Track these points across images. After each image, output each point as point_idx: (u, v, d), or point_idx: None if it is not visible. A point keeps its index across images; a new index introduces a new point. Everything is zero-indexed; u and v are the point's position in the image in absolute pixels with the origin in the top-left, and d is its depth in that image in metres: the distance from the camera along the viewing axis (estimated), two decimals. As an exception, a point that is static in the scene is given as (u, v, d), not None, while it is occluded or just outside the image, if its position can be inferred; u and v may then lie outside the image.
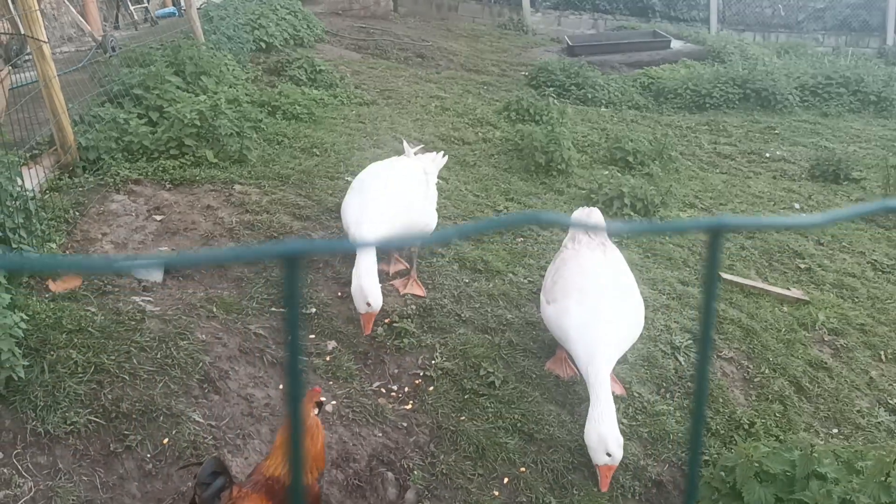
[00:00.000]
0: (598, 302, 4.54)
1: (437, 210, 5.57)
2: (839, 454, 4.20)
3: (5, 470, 3.57)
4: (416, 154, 5.68)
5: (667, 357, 5.42)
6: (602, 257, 4.87)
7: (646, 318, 5.73)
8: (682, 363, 5.39)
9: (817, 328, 6.20)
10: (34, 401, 3.77)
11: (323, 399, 3.30)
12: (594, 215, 5.20)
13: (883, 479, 3.88)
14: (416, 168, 5.38)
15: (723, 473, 4.16)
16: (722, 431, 4.86)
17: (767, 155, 10.45)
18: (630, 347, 4.71)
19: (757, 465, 3.99)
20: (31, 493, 3.52)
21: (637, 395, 4.98)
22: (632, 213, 7.42)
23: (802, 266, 7.20)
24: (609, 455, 4.11)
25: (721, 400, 5.14)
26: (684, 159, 9.67)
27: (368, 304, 4.57)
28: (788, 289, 6.71)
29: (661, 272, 6.60)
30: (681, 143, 10.37)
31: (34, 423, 3.72)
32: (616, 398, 4.90)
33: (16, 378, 3.72)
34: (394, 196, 4.95)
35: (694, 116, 12.23)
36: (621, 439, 4.16)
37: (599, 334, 4.39)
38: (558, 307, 4.61)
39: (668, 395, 5.09)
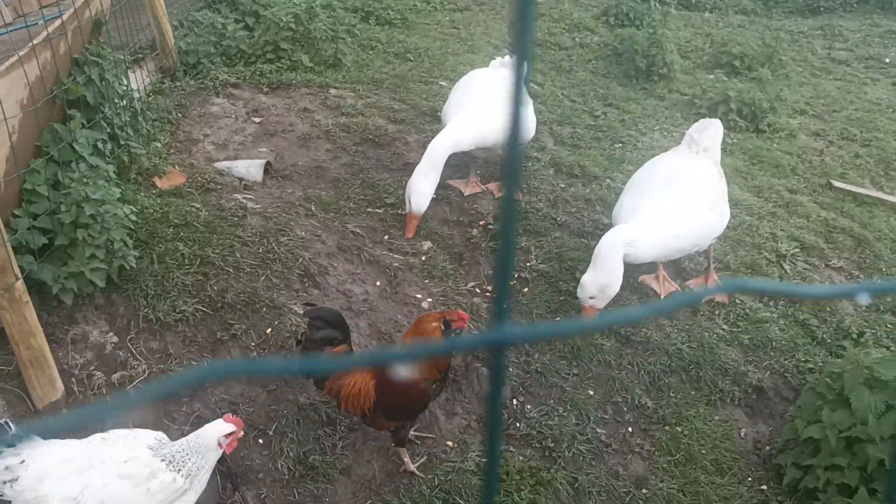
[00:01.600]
0: (641, 191, 4.42)
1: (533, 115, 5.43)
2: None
3: (121, 353, 3.76)
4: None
5: (771, 265, 5.22)
6: (681, 159, 4.65)
7: (750, 225, 5.52)
8: (788, 271, 5.18)
9: (936, 239, 5.84)
10: (145, 289, 3.94)
11: (453, 319, 3.26)
12: (713, 127, 4.90)
13: None
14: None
15: (829, 380, 4.01)
16: (828, 340, 4.68)
17: (887, 60, 9.73)
18: (675, 244, 4.44)
19: (867, 370, 3.83)
20: (145, 375, 3.71)
21: (739, 301, 4.83)
22: (738, 119, 7.08)
23: (923, 174, 6.76)
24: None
25: (828, 309, 4.94)
26: (795, 65, 9.11)
27: (410, 205, 4.57)
28: (906, 197, 6.32)
29: (768, 179, 6.31)
30: (792, 48, 9.76)
31: (146, 310, 3.89)
32: (717, 305, 4.78)
33: (127, 267, 3.87)
34: (490, 102, 4.84)
35: (807, 21, 11.47)
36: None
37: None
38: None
39: (770, 303, 4.92)
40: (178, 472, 2.81)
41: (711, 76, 8.13)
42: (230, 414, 3.15)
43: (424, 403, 3.42)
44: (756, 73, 7.95)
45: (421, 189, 4.60)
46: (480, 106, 4.82)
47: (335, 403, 3.49)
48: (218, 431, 2.93)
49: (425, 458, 3.74)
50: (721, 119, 6.98)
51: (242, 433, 3.04)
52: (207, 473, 2.93)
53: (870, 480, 3.68)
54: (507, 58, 5.50)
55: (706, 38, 9.63)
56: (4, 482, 2.61)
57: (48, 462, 2.66)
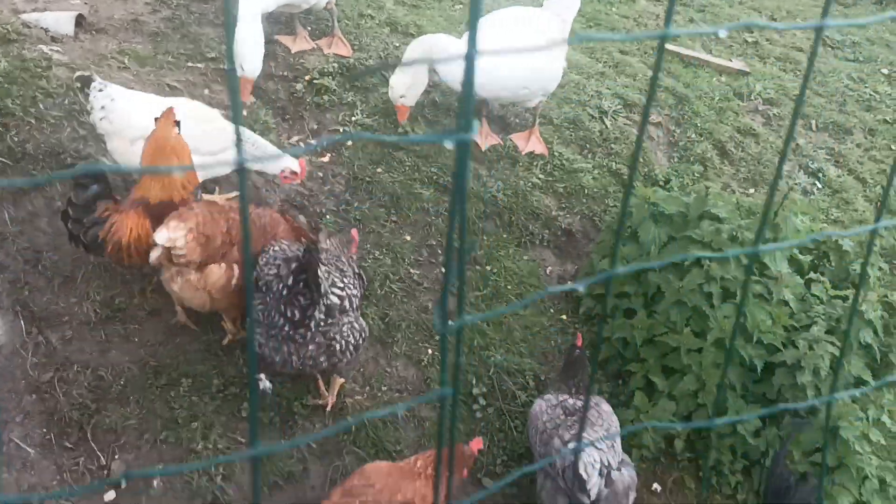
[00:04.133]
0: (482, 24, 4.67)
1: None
2: (738, 200, 4.34)
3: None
4: None
5: (593, 120, 5.45)
6: (531, 9, 4.82)
7: (578, 83, 5.70)
8: (608, 126, 5.42)
9: (752, 98, 6.20)
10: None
11: (178, 119, 3.34)
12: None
13: (773, 218, 4.04)
14: None
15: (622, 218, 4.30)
16: (635, 187, 4.98)
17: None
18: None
19: (653, 206, 4.13)
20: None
21: (557, 154, 5.05)
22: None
23: (750, 40, 7.08)
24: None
25: (642, 160, 5.22)
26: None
27: (242, 69, 4.43)
28: (731, 59, 6.64)
29: (602, 42, 6.48)
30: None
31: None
32: (536, 156, 4.99)
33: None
34: None
35: None
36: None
37: None
38: None
39: (589, 155, 5.17)
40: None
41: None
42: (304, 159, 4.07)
43: None
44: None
45: (247, 50, 4.41)
46: None
47: (123, 257, 3.40)
48: (289, 164, 3.91)
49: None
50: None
51: (299, 181, 4.09)
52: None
53: (650, 304, 4.04)
54: None
55: None
56: (101, 119, 3.60)
57: (132, 103, 3.66)
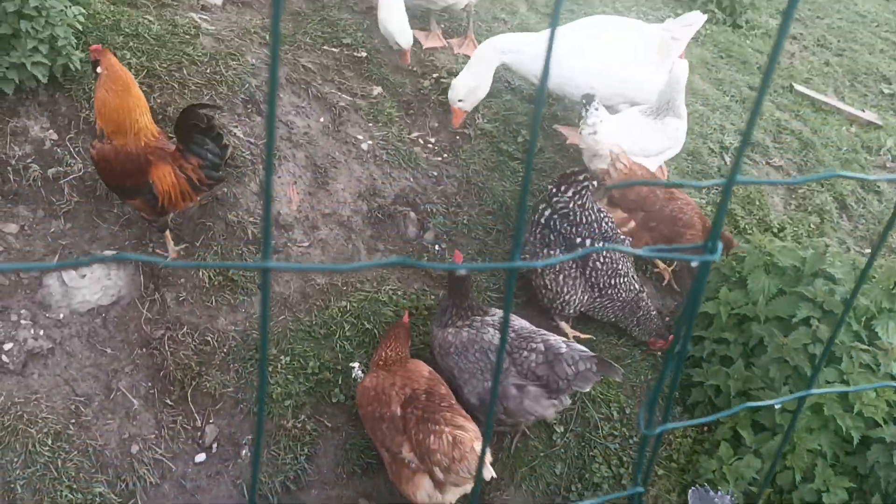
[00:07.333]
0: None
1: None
2: (855, 262, 4.20)
3: (59, 150, 3.87)
4: None
5: (713, 154, 5.35)
6: (628, 21, 4.82)
7: (702, 115, 5.60)
8: (727, 163, 5.31)
9: (882, 153, 5.98)
10: (88, 92, 4.00)
11: (99, 59, 3.37)
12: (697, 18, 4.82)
13: (890, 286, 3.90)
14: None
15: (734, 262, 4.23)
16: (749, 231, 4.88)
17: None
18: None
19: (768, 256, 4.04)
20: (80, 174, 3.84)
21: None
22: (716, 11, 7.02)
23: (886, 91, 6.81)
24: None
25: (758, 203, 5.11)
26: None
27: (398, 44, 4.74)
28: (863, 110, 6.40)
29: (732, 74, 6.35)
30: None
31: (87, 112, 3.96)
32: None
33: (72, 68, 3.92)
34: None
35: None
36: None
37: None
38: None
39: (703, 190, 5.08)
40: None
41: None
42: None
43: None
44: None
45: (396, 28, 4.74)
46: None
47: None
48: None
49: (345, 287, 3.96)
50: (700, 8, 6.96)
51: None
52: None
53: (749, 355, 3.96)
54: None
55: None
56: (590, 134, 4.26)
57: (613, 125, 4.30)
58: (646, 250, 0.84)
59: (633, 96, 4.62)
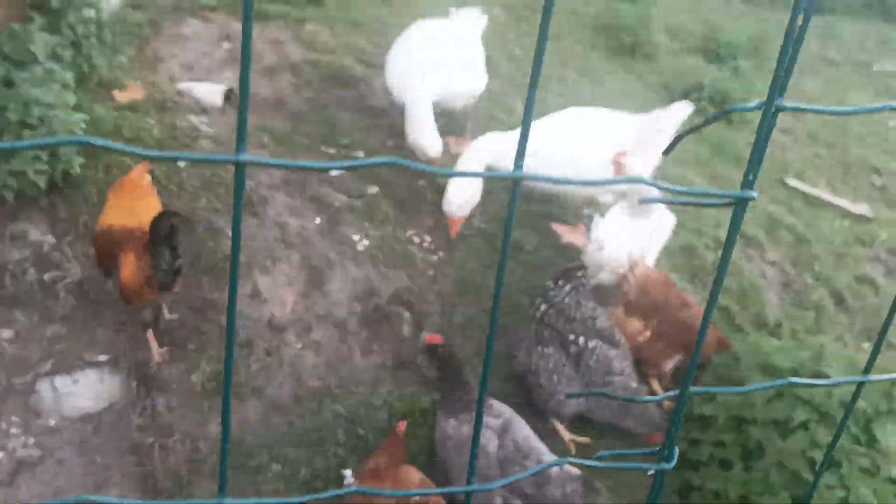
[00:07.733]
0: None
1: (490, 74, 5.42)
2: (853, 360, 4.18)
3: (56, 254, 3.91)
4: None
5: (708, 250, 5.39)
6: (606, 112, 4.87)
7: (697, 210, 5.66)
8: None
9: (874, 246, 6.01)
10: (88, 197, 4.07)
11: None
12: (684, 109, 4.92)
13: (888, 387, 3.87)
14: (460, 28, 5.26)
15: (730, 362, 4.21)
16: (745, 328, 4.87)
17: (876, 68, 9.80)
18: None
19: (765, 356, 4.02)
20: (77, 278, 3.86)
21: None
22: (709, 107, 7.17)
23: (877, 183, 6.90)
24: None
25: (752, 298, 5.12)
26: (782, 60, 9.17)
27: (427, 155, 4.74)
28: (855, 203, 6.47)
29: (726, 169, 6.44)
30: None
31: (86, 216, 4.02)
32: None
33: (72, 173, 4.00)
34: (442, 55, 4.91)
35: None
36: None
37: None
38: None
39: (699, 285, 5.10)
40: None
41: (692, 61, 8.20)
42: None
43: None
44: (736, 62, 8.02)
45: (426, 139, 4.76)
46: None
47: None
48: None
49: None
50: (693, 105, 7.09)
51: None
52: None
53: (748, 458, 3.90)
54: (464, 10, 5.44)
55: (703, 23, 9.65)
56: (597, 249, 4.32)
57: (616, 234, 4.34)
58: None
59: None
